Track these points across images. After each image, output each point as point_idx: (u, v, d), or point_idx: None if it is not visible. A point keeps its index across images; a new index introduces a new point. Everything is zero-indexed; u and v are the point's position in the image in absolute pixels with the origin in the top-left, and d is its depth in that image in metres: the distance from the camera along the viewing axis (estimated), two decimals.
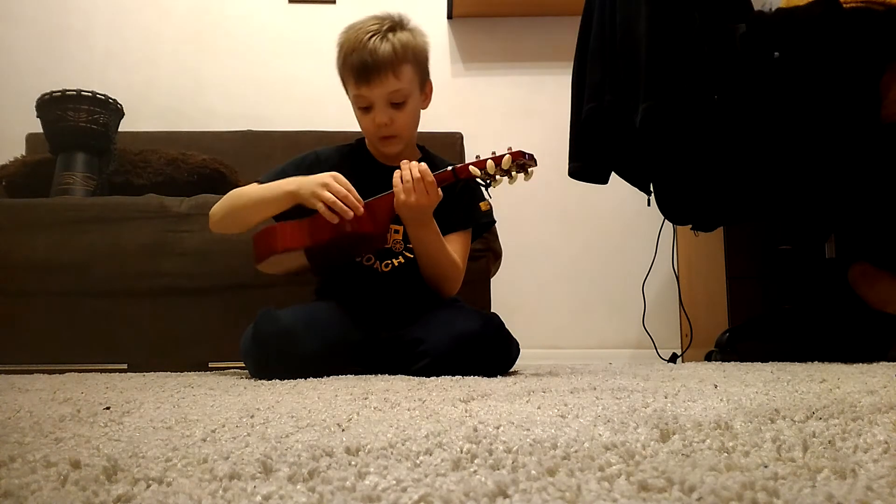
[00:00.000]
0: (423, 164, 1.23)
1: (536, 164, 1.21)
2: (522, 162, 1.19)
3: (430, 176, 1.22)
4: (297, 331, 1.16)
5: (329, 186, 1.22)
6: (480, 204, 1.42)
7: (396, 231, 1.34)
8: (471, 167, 1.22)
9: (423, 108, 1.41)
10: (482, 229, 1.49)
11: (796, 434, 0.46)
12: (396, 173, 1.23)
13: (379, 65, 1.28)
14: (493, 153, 1.21)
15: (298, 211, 1.29)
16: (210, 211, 1.37)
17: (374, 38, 1.28)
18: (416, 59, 1.34)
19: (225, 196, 1.38)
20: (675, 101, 1.43)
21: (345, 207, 1.20)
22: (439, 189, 1.23)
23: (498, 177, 1.21)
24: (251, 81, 2.71)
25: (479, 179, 1.22)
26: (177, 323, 1.74)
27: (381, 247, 1.34)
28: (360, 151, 1.44)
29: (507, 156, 1.19)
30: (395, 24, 1.32)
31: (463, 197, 1.38)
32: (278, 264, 1.30)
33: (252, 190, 1.34)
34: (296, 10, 2.76)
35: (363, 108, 1.33)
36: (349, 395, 0.77)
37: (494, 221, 1.48)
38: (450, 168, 1.24)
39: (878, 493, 0.31)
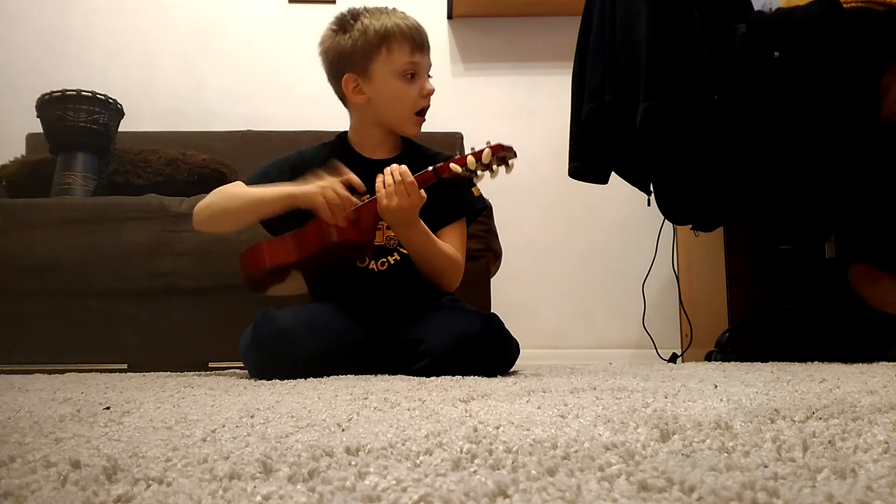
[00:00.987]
0: (403, 166, 1.22)
1: (516, 156, 1.20)
2: (502, 155, 1.18)
3: (410, 177, 1.21)
4: (297, 332, 1.16)
5: (334, 186, 1.21)
6: (472, 189, 1.42)
7: (388, 227, 1.34)
8: (451, 165, 1.21)
9: None
10: (476, 215, 1.49)
11: (796, 434, 0.46)
12: (379, 178, 1.23)
13: (425, 36, 1.38)
14: (472, 149, 1.21)
15: (289, 223, 1.29)
16: (195, 209, 1.35)
17: (405, 15, 1.38)
18: None
19: (210, 195, 1.36)
20: (676, 101, 1.43)
21: (342, 213, 1.20)
22: (422, 191, 1.22)
23: (479, 172, 1.20)
24: (251, 81, 2.71)
25: (460, 176, 1.22)
26: (177, 323, 1.74)
27: (370, 254, 1.33)
28: (343, 148, 1.43)
29: (487, 150, 1.18)
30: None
31: (453, 187, 1.35)
32: (281, 289, 1.31)
33: (245, 191, 1.32)
34: (296, 10, 2.76)
35: (409, 79, 1.36)
36: (349, 395, 0.77)
37: (486, 205, 1.47)
38: (430, 168, 1.23)
39: (878, 493, 0.31)
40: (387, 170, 1.23)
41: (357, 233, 1.23)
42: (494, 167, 1.19)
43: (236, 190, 1.34)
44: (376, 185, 1.23)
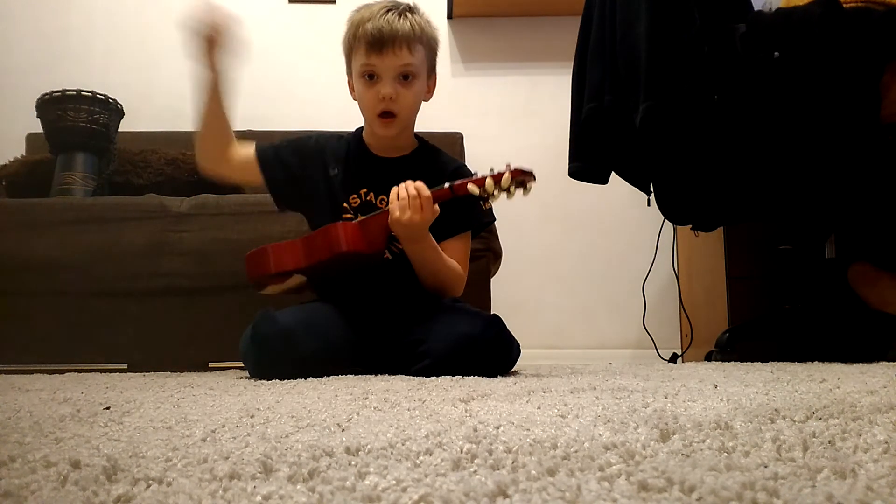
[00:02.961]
0: (419, 182, 1.23)
1: (535, 180, 1.21)
2: (521, 179, 1.19)
3: (427, 192, 1.21)
4: (296, 332, 1.16)
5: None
6: (480, 202, 1.42)
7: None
8: (469, 185, 1.21)
9: (426, 101, 1.42)
10: (482, 228, 1.49)
11: (796, 434, 0.46)
12: (393, 190, 1.23)
13: (395, 36, 1.29)
14: (492, 170, 1.21)
15: (293, 197, 1.32)
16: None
17: (391, 12, 1.31)
18: (429, 44, 1.36)
19: None
20: (676, 101, 1.43)
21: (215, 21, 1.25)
22: (436, 206, 1.22)
23: (496, 193, 1.20)
24: (251, 81, 2.70)
25: (476, 195, 1.22)
26: (177, 323, 1.74)
27: (377, 263, 1.33)
28: (357, 143, 1.43)
29: (507, 174, 1.18)
30: (412, 8, 1.35)
31: (464, 199, 1.36)
32: (279, 287, 1.31)
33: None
34: (296, 10, 2.76)
35: (368, 81, 1.33)
36: (349, 395, 0.77)
37: (494, 219, 1.48)
38: (447, 185, 1.23)
39: (878, 493, 0.31)
40: (401, 185, 1.23)
41: (366, 244, 1.23)
42: (512, 189, 1.20)
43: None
44: (390, 197, 1.23)
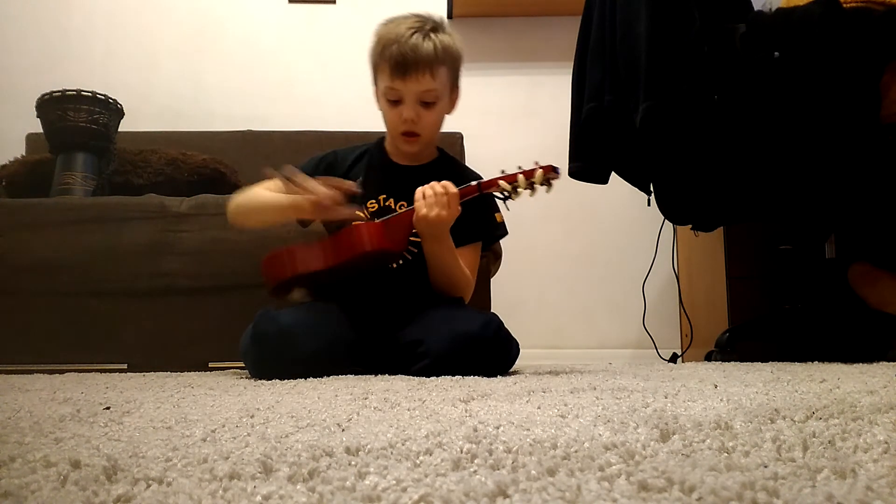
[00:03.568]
0: (445, 181, 1.24)
1: (559, 177, 1.22)
2: (549, 176, 1.20)
3: (454, 189, 1.23)
4: (296, 331, 1.16)
5: (323, 195, 1.23)
6: (496, 215, 1.43)
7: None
8: (500, 181, 1.22)
9: (448, 114, 1.43)
10: (494, 240, 1.50)
11: (796, 434, 0.46)
12: (418, 190, 1.24)
13: (419, 61, 1.29)
14: (520, 168, 1.22)
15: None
16: (229, 205, 1.39)
17: (416, 35, 1.30)
18: (452, 63, 1.37)
19: (242, 192, 1.39)
20: (676, 101, 1.43)
21: (326, 204, 1.22)
22: (459, 204, 1.23)
23: (521, 190, 1.21)
24: (251, 81, 2.71)
25: (501, 193, 1.23)
26: (177, 323, 1.74)
27: (397, 261, 1.33)
28: (378, 151, 1.45)
29: (540, 170, 1.20)
30: (437, 26, 1.34)
31: (477, 208, 1.34)
32: (300, 293, 1.32)
33: (263, 194, 1.35)
34: (296, 10, 2.76)
35: (392, 102, 1.34)
36: (349, 395, 0.77)
37: (507, 232, 1.48)
38: (474, 183, 1.25)
39: (878, 493, 0.31)
40: (428, 185, 1.24)
41: (390, 242, 1.24)
42: (537, 186, 1.21)
43: (257, 191, 1.37)
44: (415, 196, 1.24)
